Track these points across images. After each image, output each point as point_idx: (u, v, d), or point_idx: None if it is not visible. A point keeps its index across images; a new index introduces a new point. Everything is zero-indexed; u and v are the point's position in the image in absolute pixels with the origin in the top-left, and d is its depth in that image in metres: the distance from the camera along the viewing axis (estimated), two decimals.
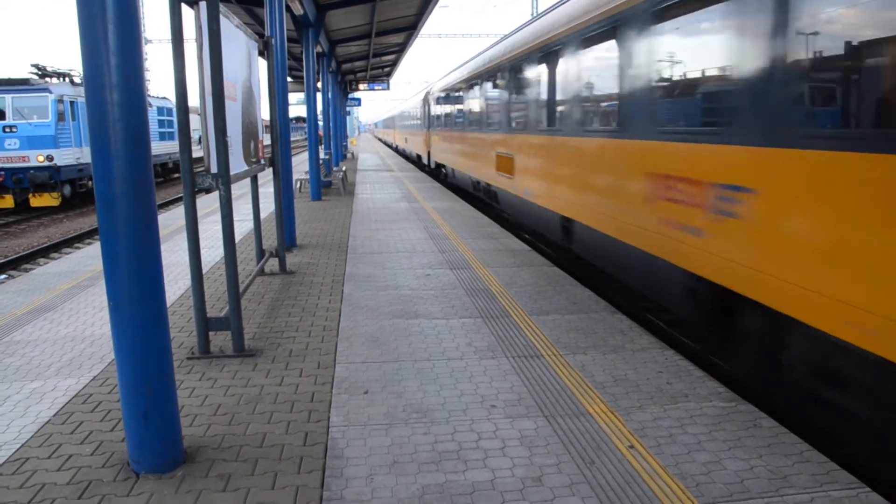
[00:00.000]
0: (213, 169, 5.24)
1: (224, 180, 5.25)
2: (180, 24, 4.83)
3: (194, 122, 8.09)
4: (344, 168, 21.34)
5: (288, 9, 12.73)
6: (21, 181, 20.52)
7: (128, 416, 3.64)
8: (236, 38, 6.24)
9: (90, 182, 23.40)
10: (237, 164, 6.09)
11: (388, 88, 38.31)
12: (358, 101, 48.10)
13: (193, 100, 5.23)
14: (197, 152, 16.49)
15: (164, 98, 32.13)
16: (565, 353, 5.46)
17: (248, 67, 6.81)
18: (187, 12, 5.74)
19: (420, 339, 5.81)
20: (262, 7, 12.77)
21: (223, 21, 5.35)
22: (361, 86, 37.62)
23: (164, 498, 3.42)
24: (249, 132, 6.85)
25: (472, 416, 4.31)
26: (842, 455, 4.33)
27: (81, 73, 3.28)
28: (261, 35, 7.52)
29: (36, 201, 21.12)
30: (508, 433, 4.06)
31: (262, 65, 7.86)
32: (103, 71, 3.21)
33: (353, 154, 43.23)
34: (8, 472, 3.70)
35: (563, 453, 3.82)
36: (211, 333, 5.66)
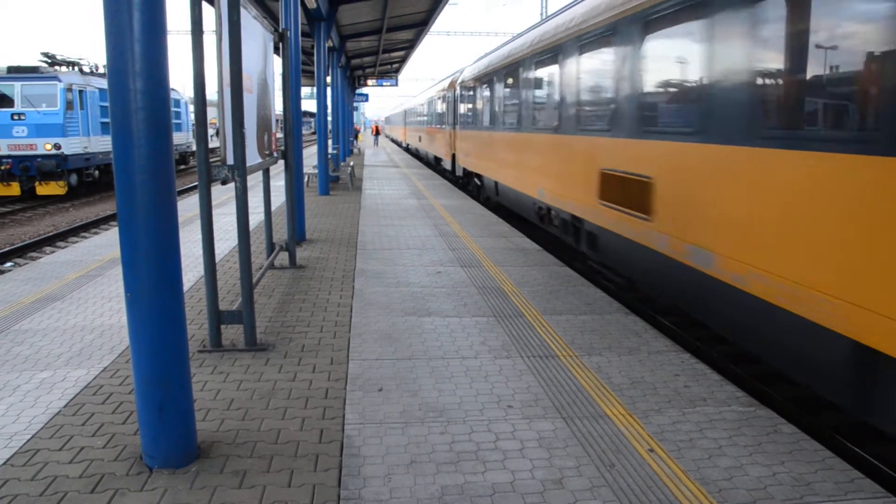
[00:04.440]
0: (230, 160, 5.19)
1: (240, 172, 5.19)
2: (200, 15, 4.77)
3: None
4: (352, 163, 21.28)
5: (301, 3, 12.67)
6: (28, 169, 20.49)
7: (142, 409, 3.59)
8: (254, 30, 6.18)
9: (97, 171, 23.40)
10: (251, 156, 6.03)
11: (396, 84, 38.19)
12: (365, 97, 48.02)
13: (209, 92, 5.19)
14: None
15: (172, 90, 32.08)
16: (581, 354, 5.40)
17: (263, 60, 6.76)
18: (206, 3, 5.69)
19: (433, 336, 5.76)
20: (275, 0, 12.72)
21: (242, 12, 5.29)
22: (370, 81, 37.53)
23: (179, 494, 3.36)
24: (263, 124, 6.79)
25: (489, 416, 4.25)
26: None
27: (105, 60, 3.22)
28: (275, 28, 7.46)
29: (42, 189, 21.10)
30: (526, 434, 4.01)
31: (274, 59, 7.80)
32: (126, 58, 3.15)
33: (359, 149, 43.19)
34: (19, 464, 3.64)
35: (583, 456, 3.76)
36: (222, 327, 5.60)
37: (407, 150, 44.55)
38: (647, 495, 3.39)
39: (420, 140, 34.59)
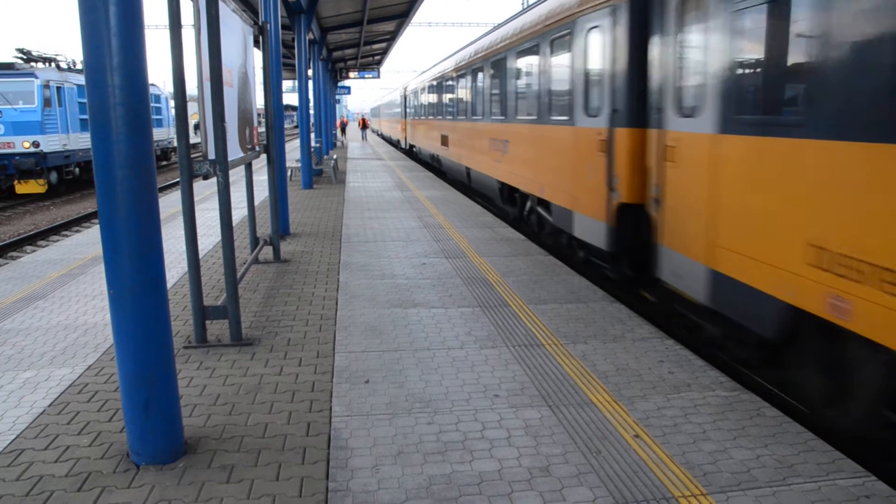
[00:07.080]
0: (211, 155, 5.16)
1: (222, 167, 5.17)
2: (178, 9, 4.73)
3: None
4: (335, 156, 21.21)
5: None
6: (6, 167, 20.24)
7: (128, 406, 3.57)
8: (233, 23, 6.13)
9: (77, 169, 23.14)
10: (233, 150, 5.99)
11: (378, 77, 38.07)
12: (347, 90, 47.82)
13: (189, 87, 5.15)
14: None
15: (152, 84, 31.75)
16: (566, 342, 5.43)
17: (243, 53, 6.71)
18: None
19: (419, 328, 5.77)
20: None
21: (220, 5, 5.25)
22: (351, 74, 37.36)
23: (166, 490, 3.36)
24: (245, 119, 6.75)
25: (476, 405, 4.28)
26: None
27: (81, 56, 3.19)
28: (254, 21, 7.41)
29: (21, 188, 20.85)
30: (513, 423, 4.03)
31: (255, 52, 7.75)
32: (104, 53, 3.12)
33: (342, 142, 43.02)
34: (4, 464, 3.62)
35: (569, 443, 3.80)
36: (207, 322, 5.58)
37: (409, 153, 30.80)
38: (634, 481, 3.42)
39: (447, 144, 18.18)
